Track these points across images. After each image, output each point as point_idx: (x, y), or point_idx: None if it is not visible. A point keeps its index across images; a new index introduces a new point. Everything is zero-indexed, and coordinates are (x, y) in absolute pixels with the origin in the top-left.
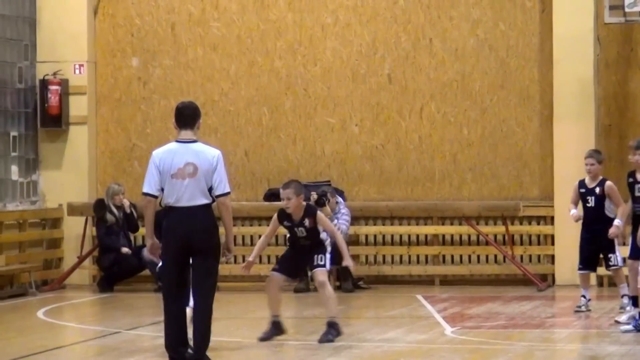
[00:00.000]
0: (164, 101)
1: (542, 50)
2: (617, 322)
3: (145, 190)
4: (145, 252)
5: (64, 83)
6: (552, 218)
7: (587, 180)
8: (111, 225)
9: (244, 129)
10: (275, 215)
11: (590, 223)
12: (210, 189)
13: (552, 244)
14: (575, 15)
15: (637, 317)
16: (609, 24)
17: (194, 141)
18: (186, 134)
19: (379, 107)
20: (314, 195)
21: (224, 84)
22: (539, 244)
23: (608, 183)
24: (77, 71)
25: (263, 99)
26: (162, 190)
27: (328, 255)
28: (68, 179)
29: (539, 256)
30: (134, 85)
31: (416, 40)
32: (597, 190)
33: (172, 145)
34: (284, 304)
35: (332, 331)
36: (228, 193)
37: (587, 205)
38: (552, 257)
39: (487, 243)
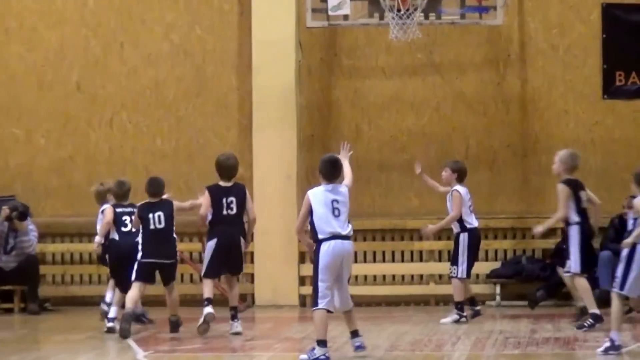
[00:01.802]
0: None
1: (240, 55)
2: None
3: None
4: None
5: None
6: (252, 235)
7: None
8: None
9: None
10: None
11: None
12: None
13: (252, 262)
14: (275, 19)
15: (315, 347)
16: (311, 28)
17: None
18: None
19: (67, 116)
20: (5, 210)
21: None
22: None
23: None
24: None
25: None
26: None
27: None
28: None
29: None
30: None
31: (107, 45)
32: None
33: None
34: None
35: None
36: None
37: None
38: (252, 276)
39: (182, 261)
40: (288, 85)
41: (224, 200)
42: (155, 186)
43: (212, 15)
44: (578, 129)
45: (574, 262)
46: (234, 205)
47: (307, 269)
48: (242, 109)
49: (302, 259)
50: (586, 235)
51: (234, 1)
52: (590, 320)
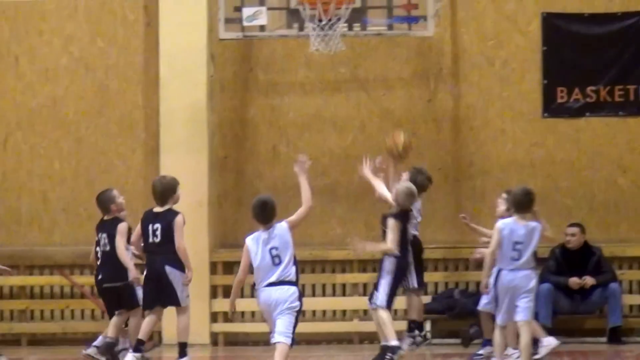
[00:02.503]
0: None
1: (146, 70)
2: None
3: None
4: None
5: None
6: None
7: None
8: None
9: None
10: None
11: None
12: None
13: None
14: (185, 30)
15: None
16: (224, 40)
17: None
18: None
19: None
20: None
21: None
22: None
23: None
24: None
25: None
26: None
27: None
28: None
29: None
30: None
31: None
32: None
33: None
34: None
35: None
36: None
37: None
38: None
39: (82, 296)
40: (199, 103)
41: (150, 227)
42: (98, 201)
43: (116, 26)
44: (516, 150)
45: (381, 294)
46: (158, 233)
47: (220, 305)
48: (149, 128)
49: (214, 293)
50: (402, 269)
51: (140, 10)
52: (389, 354)
